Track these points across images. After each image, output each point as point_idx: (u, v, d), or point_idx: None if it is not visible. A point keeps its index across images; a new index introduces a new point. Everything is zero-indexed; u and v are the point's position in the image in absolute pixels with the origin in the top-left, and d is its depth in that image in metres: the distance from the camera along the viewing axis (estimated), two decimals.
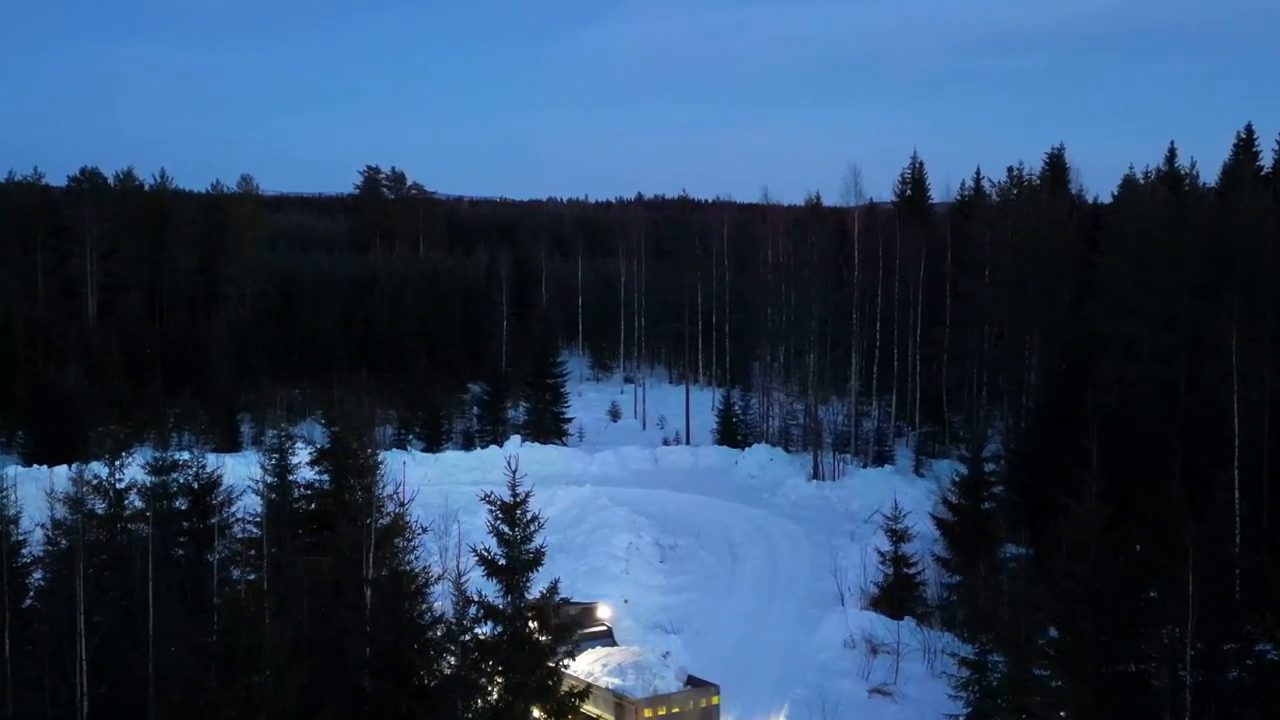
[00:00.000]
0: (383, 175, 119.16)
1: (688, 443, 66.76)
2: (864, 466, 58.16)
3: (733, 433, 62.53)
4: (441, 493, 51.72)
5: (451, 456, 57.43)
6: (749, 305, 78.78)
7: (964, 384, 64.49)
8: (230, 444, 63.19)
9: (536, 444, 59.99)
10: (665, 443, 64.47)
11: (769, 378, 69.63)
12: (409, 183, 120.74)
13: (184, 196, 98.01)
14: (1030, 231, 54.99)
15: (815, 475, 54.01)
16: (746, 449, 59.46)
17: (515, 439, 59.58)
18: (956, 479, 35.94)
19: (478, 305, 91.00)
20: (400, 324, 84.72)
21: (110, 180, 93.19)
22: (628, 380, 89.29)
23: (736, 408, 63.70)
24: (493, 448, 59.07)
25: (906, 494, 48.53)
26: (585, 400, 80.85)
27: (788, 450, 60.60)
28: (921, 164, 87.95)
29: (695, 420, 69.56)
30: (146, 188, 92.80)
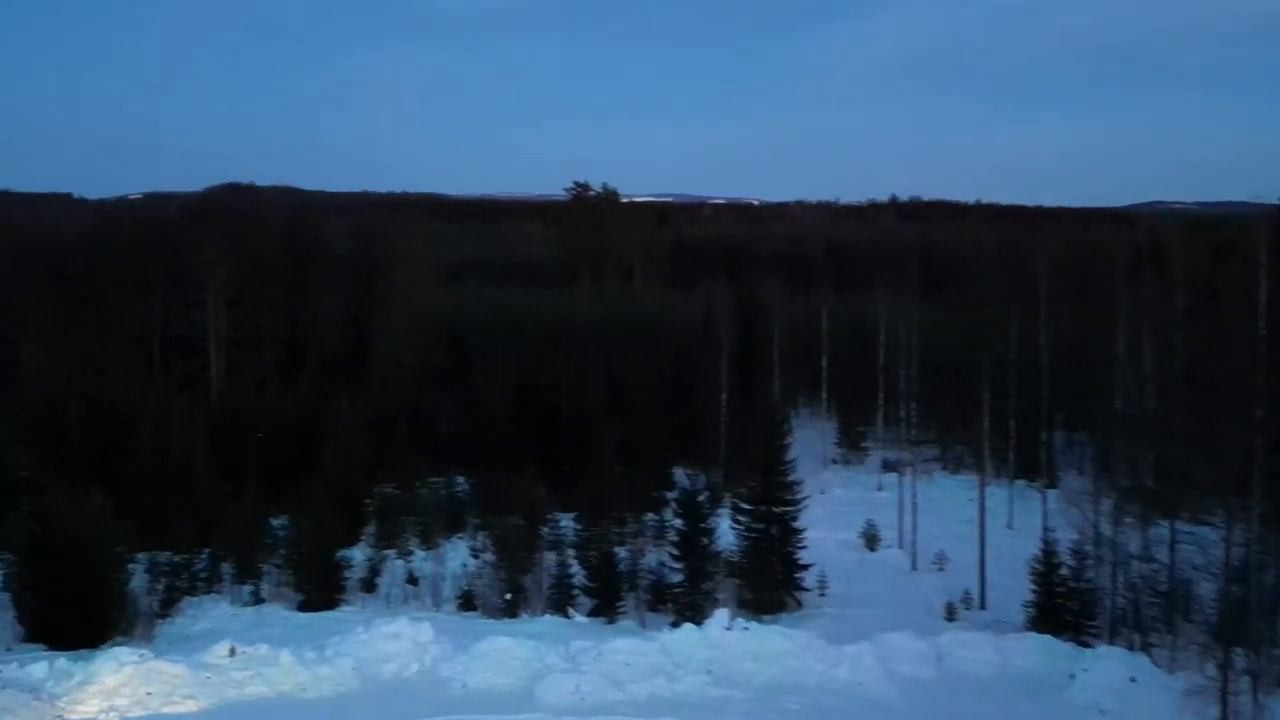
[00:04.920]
0: (592, 193, 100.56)
1: (982, 606, 44.81)
2: None
3: (1057, 612, 40.01)
4: None
5: (623, 647, 37.14)
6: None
7: None
8: (325, 594, 45.03)
9: (753, 622, 39.33)
10: (950, 614, 42.67)
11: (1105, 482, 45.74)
12: (622, 199, 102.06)
13: (337, 220, 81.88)
14: None
15: None
16: (1088, 650, 36.99)
17: (721, 615, 38.89)
18: None
19: (690, 363, 71.03)
20: (591, 392, 65.60)
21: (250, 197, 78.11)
22: (888, 468, 67.19)
23: (1066, 567, 40.91)
24: (688, 628, 38.64)
25: None
26: (829, 504, 59.62)
27: (1150, 651, 37.76)
28: None
29: (994, 550, 47.14)
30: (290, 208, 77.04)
